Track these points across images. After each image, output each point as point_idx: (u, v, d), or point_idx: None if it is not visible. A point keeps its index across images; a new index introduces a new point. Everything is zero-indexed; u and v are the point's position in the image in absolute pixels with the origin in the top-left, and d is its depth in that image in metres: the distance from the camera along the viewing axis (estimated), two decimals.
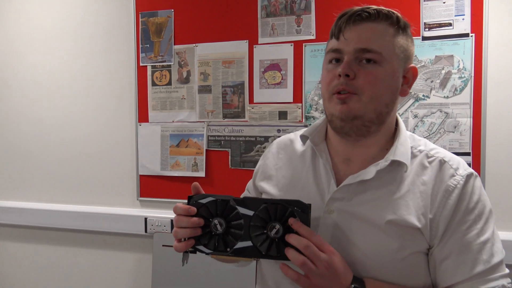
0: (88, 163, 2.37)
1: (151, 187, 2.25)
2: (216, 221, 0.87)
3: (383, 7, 0.90)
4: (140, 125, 2.26)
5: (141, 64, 2.24)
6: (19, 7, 2.45)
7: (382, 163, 0.90)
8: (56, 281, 2.46)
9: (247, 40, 2.07)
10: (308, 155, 1.01)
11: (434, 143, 1.79)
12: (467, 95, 1.79)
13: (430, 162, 0.92)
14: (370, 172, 0.90)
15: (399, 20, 0.90)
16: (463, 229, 0.87)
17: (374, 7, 0.90)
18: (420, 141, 0.97)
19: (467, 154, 1.79)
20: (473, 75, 1.78)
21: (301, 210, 0.85)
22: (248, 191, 1.17)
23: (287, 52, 2.01)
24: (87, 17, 2.34)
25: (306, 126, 1.98)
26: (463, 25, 1.78)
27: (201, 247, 0.88)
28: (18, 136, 2.49)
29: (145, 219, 2.22)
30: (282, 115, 2.03)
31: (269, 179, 1.06)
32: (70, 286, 2.43)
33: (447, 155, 0.94)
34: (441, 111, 1.82)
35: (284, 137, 1.10)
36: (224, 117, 2.13)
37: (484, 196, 0.91)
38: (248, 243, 0.86)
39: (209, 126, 2.16)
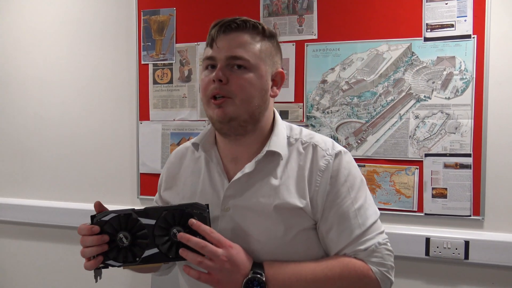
0: (89, 161, 2.37)
1: (151, 185, 2.25)
2: (121, 235, 0.92)
3: (250, 19, 1.01)
4: (141, 123, 2.26)
5: (142, 62, 2.24)
6: (21, 4, 2.45)
7: (259, 155, 1.01)
8: (55, 278, 2.46)
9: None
10: (203, 161, 1.10)
11: (435, 144, 1.83)
12: (468, 97, 1.79)
13: (304, 148, 1.04)
14: (251, 165, 1.01)
15: (265, 30, 1.02)
16: (339, 201, 1.00)
17: (242, 18, 1.00)
18: (296, 130, 1.08)
19: (468, 155, 1.79)
20: (474, 76, 1.78)
21: (199, 211, 0.92)
22: (157, 203, 1.23)
23: (289, 52, 2.01)
24: (89, 15, 2.34)
25: (307, 125, 1.98)
26: (465, 26, 1.78)
27: (111, 262, 0.94)
28: (19, 134, 2.49)
29: None
30: (283, 114, 2.03)
31: (171, 189, 1.15)
32: (69, 283, 2.44)
33: (319, 139, 1.06)
34: (442, 112, 1.82)
35: (181, 146, 1.19)
36: None
37: (354, 169, 1.04)
38: (155, 250, 0.92)
39: (210, 125, 2.15)
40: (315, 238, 1.02)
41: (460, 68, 1.79)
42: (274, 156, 1.02)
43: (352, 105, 1.93)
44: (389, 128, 1.89)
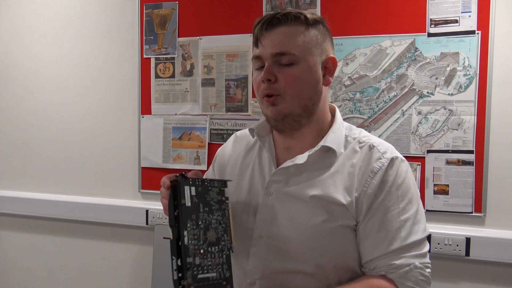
0: (91, 155, 2.37)
1: (152, 179, 2.25)
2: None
3: (291, 10, 0.98)
4: (142, 117, 2.26)
5: (144, 56, 2.24)
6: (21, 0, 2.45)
7: (313, 149, 1.00)
8: (56, 271, 2.47)
9: (252, 34, 2.05)
10: (256, 146, 1.12)
11: (437, 140, 1.82)
12: (471, 93, 1.78)
13: (360, 147, 1.01)
14: (303, 157, 1.00)
15: (308, 19, 0.98)
16: (385, 208, 0.94)
17: (284, 11, 0.98)
18: (355, 131, 1.06)
19: (471, 152, 1.79)
20: (478, 72, 1.77)
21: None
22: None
23: None
24: (91, 9, 2.33)
25: None
26: (469, 22, 1.77)
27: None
28: (21, 127, 2.49)
29: (146, 211, 2.22)
30: None
31: (221, 166, 1.18)
32: (70, 276, 2.45)
33: (377, 141, 1.02)
34: (445, 109, 1.82)
35: (244, 130, 1.20)
36: (227, 111, 2.12)
37: (409, 180, 0.98)
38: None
39: (211, 119, 2.15)
40: (353, 239, 0.98)
41: (463, 64, 1.78)
42: (328, 152, 1.00)
43: (354, 100, 1.93)
44: (392, 124, 1.88)
